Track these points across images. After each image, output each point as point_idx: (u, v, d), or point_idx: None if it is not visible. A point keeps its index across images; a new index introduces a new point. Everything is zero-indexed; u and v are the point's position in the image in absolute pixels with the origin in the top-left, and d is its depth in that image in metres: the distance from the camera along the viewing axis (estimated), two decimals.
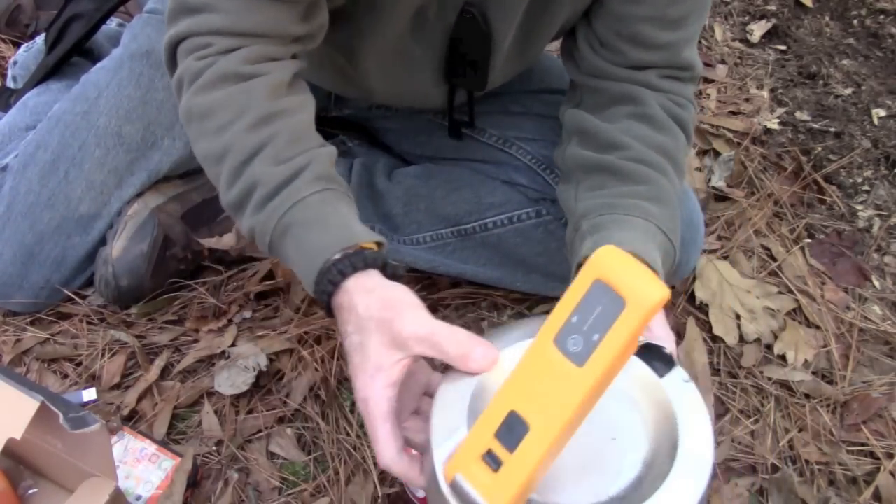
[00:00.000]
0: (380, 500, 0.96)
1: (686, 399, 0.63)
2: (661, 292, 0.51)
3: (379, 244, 0.73)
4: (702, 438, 0.61)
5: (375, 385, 0.65)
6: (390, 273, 0.71)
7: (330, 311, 0.71)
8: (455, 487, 0.57)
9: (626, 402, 0.64)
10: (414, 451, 0.67)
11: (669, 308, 1.16)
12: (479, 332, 1.13)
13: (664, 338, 0.69)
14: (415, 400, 0.70)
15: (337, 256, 0.69)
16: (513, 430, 0.55)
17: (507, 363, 0.62)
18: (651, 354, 0.65)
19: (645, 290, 0.51)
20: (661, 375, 0.65)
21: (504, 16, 0.89)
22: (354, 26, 0.91)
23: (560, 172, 0.97)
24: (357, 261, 0.69)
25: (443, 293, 1.18)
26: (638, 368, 0.65)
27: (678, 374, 0.65)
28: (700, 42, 1.65)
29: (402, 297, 0.67)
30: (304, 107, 0.81)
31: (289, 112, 0.78)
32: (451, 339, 0.63)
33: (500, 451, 0.55)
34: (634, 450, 0.63)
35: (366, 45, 0.94)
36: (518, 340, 0.65)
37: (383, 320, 0.65)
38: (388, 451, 0.65)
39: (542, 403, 0.54)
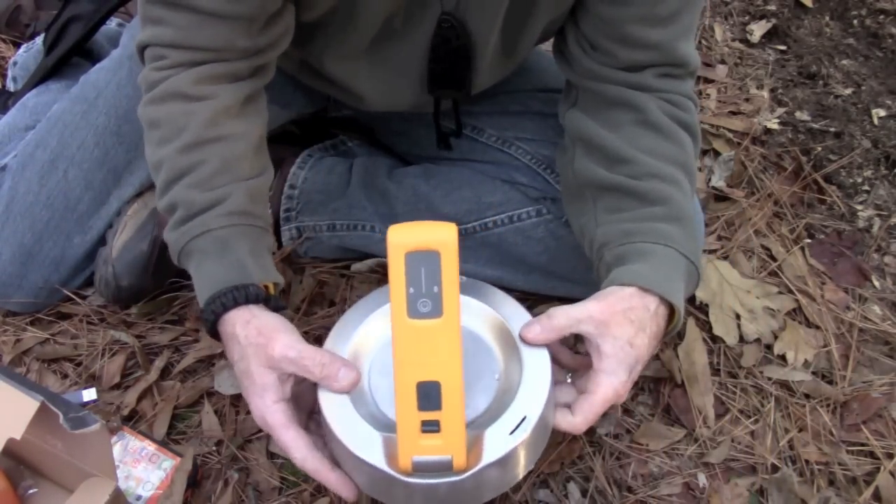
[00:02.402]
0: None
1: (481, 288, 0.82)
2: (453, 228, 0.63)
3: (275, 283, 0.83)
4: (506, 301, 0.81)
5: (265, 402, 0.74)
6: (273, 307, 0.79)
7: (214, 335, 0.80)
8: (419, 467, 0.68)
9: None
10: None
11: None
12: None
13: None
14: (304, 419, 0.79)
15: (223, 289, 0.77)
16: (429, 394, 0.65)
17: (366, 344, 0.78)
18: None
19: (443, 234, 0.63)
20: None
21: (483, 22, 0.89)
22: (321, 35, 0.93)
23: (566, 183, 0.97)
24: (240, 296, 0.77)
25: None
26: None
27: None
28: (700, 42, 1.65)
29: (275, 325, 0.76)
30: (246, 133, 0.85)
31: (224, 139, 0.82)
32: (316, 362, 0.73)
33: (431, 415, 0.66)
34: (488, 357, 0.78)
35: (335, 53, 0.96)
36: (369, 313, 0.80)
37: (259, 346, 0.74)
38: (298, 451, 0.74)
39: (436, 360, 0.65)
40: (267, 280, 0.81)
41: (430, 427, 0.66)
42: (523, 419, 0.71)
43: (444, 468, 0.68)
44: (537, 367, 0.75)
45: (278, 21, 0.85)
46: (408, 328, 0.64)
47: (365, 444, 0.72)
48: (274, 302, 0.81)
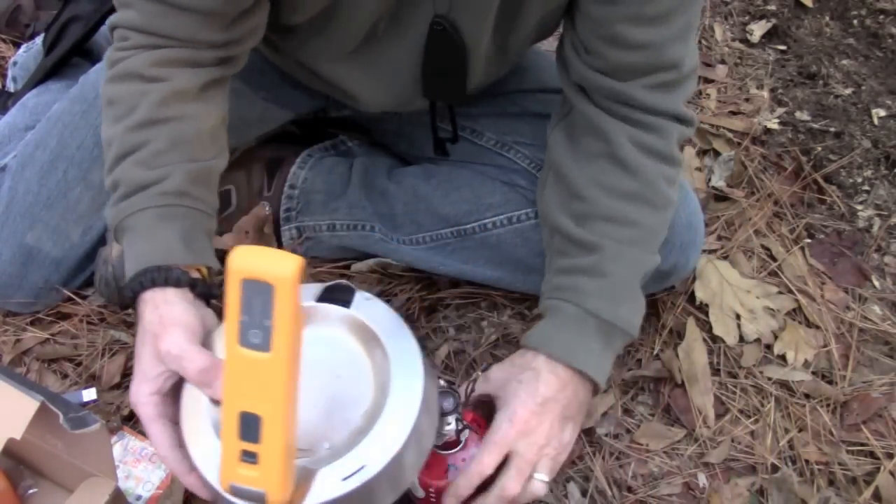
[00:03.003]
0: None
1: (374, 311, 0.77)
2: (294, 263, 0.59)
3: (209, 268, 0.82)
4: (399, 332, 0.75)
5: (141, 391, 0.74)
6: (199, 292, 0.79)
7: (133, 308, 0.80)
8: (235, 493, 0.66)
9: (333, 341, 0.76)
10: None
11: (669, 308, 1.17)
12: (479, 331, 1.14)
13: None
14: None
15: (145, 268, 0.77)
16: (250, 426, 0.63)
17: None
18: (334, 293, 0.77)
19: (281, 268, 0.59)
20: (347, 306, 0.77)
21: (475, 24, 0.89)
22: (314, 37, 0.94)
23: (539, 205, 0.99)
24: (158, 277, 0.77)
25: (443, 293, 1.18)
26: (329, 310, 0.77)
27: (360, 295, 0.77)
28: (700, 42, 1.65)
29: (177, 317, 0.75)
30: (200, 117, 0.85)
31: (174, 120, 0.82)
32: (195, 364, 0.72)
33: (250, 447, 0.64)
34: (359, 373, 0.75)
35: (328, 55, 0.96)
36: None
37: (155, 335, 0.74)
38: (160, 447, 0.74)
39: (260, 393, 0.62)
40: (198, 263, 0.81)
41: (249, 458, 0.64)
42: (361, 468, 0.68)
43: (259, 500, 0.66)
44: (401, 416, 0.71)
45: (248, 18, 0.85)
46: (237, 356, 0.61)
47: (205, 453, 0.71)
48: (201, 287, 0.79)
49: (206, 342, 0.76)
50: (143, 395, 0.74)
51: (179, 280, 0.77)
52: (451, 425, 0.83)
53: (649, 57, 0.86)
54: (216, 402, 0.72)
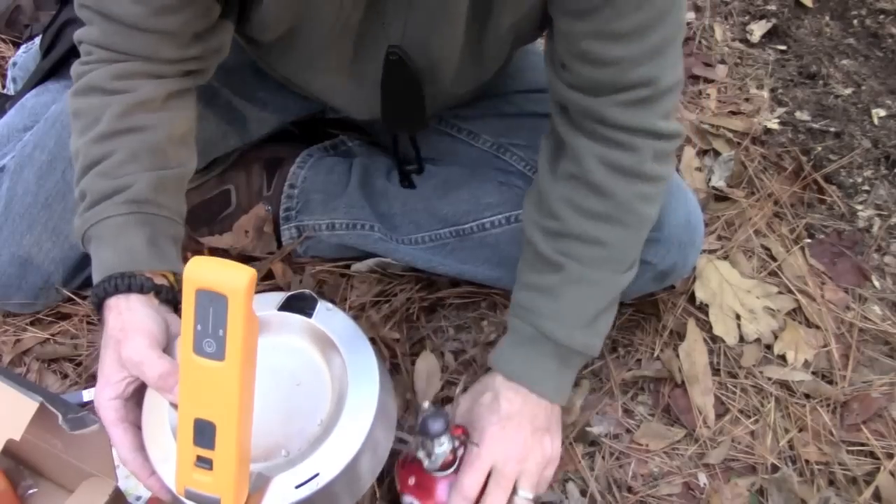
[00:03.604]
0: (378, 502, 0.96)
1: (334, 321, 0.79)
2: (247, 275, 0.60)
3: (174, 273, 0.83)
4: (357, 342, 0.77)
5: (103, 396, 0.76)
6: (164, 298, 0.80)
7: (98, 315, 0.81)
8: (190, 497, 0.67)
9: (294, 350, 0.79)
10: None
11: (669, 308, 1.17)
12: (480, 331, 1.14)
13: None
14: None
15: (109, 275, 0.78)
16: (204, 432, 0.64)
17: None
18: (296, 303, 0.80)
19: (234, 279, 0.60)
20: (309, 315, 0.79)
21: (441, 40, 0.88)
22: (291, 53, 0.95)
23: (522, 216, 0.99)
24: (122, 284, 0.78)
25: (442, 293, 1.18)
26: (290, 319, 0.79)
27: (322, 306, 0.80)
28: (700, 42, 1.65)
29: (137, 324, 0.76)
30: (163, 126, 0.86)
31: (137, 130, 0.84)
32: (154, 370, 0.73)
33: (205, 453, 0.65)
34: (318, 382, 0.77)
35: (308, 70, 0.98)
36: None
37: (117, 341, 0.75)
38: (122, 451, 0.76)
39: (214, 401, 0.64)
40: (163, 269, 0.82)
41: (203, 464, 0.66)
42: (314, 476, 0.70)
43: None
44: (356, 426, 0.73)
45: (208, 39, 0.86)
46: (191, 363, 0.63)
47: (164, 457, 0.72)
48: (167, 293, 0.81)
49: (170, 347, 0.77)
50: (105, 400, 0.76)
51: (143, 286, 0.78)
52: (445, 446, 0.84)
53: (619, 74, 0.83)
54: (176, 407, 0.72)
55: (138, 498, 0.94)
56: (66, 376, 1.08)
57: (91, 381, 1.07)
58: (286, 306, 0.80)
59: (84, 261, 1.11)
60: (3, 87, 1.40)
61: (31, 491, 0.90)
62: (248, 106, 1.14)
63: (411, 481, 0.89)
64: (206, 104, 1.10)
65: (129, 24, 0.81)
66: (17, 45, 1.46)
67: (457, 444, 0.86)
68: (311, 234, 1.17)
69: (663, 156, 0.89)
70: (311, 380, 0.77)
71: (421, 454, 0.85)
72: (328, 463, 0.71)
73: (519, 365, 0.90)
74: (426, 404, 0.83)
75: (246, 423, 0.66)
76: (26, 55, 1.36)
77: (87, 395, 1.04)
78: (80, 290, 1.13)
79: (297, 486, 0.69)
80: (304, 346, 0.79)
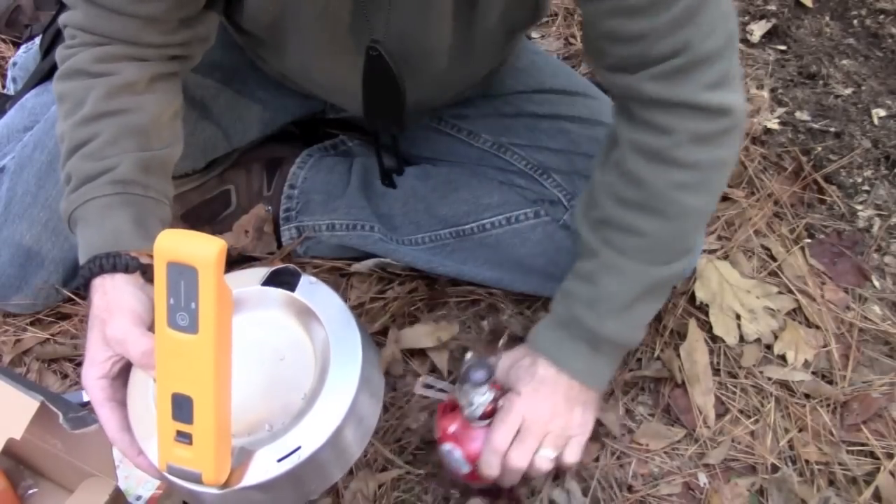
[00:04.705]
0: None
1: (317, 294, 0.78)
2: (216, 246, 0.60)
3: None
4: (341, 315, 0.76)
5: (89, 375, 0.76)
6: (150, 277, 0.78)
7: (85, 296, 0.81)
8: (172, 472, 0.67)
9: (277, 324, 0.78)
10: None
11: (670, 308, 1.17)
12: (479, 330, 1.14)
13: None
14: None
15: (95, 255, 0.78)
16: (182, 407, 0.64)
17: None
18: (280, 277, 0.79)
19: (203, 251, 0.59)
20: (292, 289, 0.78)
21: (428, 30, 0.88)
22: (271, 46, 0.95)
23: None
24: (107, 264, 0.77)
25: (443, 293, 1.18)
26: (273, 293, 0.78)
27: (305, 279, 0.79)
28: None
29: (122, 303, 0.75)
30: (148, 107, 0.86)
31: (121, 112, 0.84)
32: (138, 347, 0.72)
33: (184, 427, 0.65)
34: (302, 355, 0.76)
35: (293, 64, 0.98)
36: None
37: (102, 320, 0.75)
38: (109, 430, 0.75)
39: (190, 375, 0.63)
40: (148, 248, 0.79)
41: (183, 438, 0.65)
42: (297, 449, 0.69)
43: (195, 480, 0.67)
44: (339, 398, 0.72)
45: (193, 26, 0.87)
46: (166, 338, 0.62)
47: (148, 434, 0.72)
48: (152, 273, 0.80)
49: None
50: (92, 379, 0.76)
51: (128, 265, 0.78)
52: (486, 396, 0.87)
53: (647, 47, 0.81)
54: None
55: (138, 498, 0.94)
56: (66, 376, 1.08)
57: None
58: (269, 281, 0.79)
59: None
60: (3, 87, 1.40)
61: (31, 491, 0.90)
62: (248, 106, 1.14)
63: (451, 429, 0.91)
64: (207, 104, 1.11)
65: (111, 8, 0.82)
66: (17, 45, 1.46)
67: (497, 394, 0.88)
68: (311, 234, 1.17)
69: (705, 138, 0.84)
70: (294, 354, 0.77)
71: (463, 402, 0.89)
72: (310, 436, 0.70)
73: (549, 345, 0.90)
74: (469, 354, 0.84)
75: (223, 396, 0.65)
76: (26, 55, 1.36)
77: (86, 395, 1.03)
78: (79, 290, 1.13)
79: (280, 460, 0.69)
80: (287, 321, 0.79)
